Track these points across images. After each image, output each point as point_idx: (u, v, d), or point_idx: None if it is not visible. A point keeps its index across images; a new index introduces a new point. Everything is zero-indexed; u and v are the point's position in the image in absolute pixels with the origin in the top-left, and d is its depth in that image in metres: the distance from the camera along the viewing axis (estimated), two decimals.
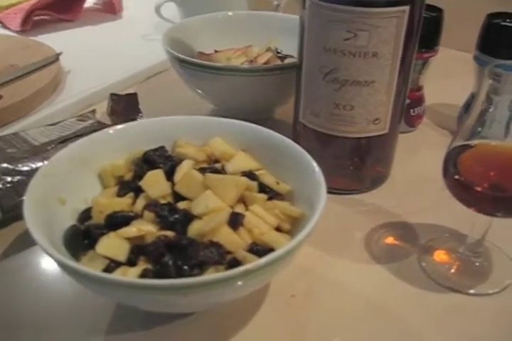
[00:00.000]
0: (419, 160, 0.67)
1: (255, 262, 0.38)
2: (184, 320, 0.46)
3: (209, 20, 0.79)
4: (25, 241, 0.55)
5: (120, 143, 0.52)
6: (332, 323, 0.47)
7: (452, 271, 0.52)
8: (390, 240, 0.55)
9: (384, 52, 0.51)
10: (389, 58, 0.52)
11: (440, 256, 0.53)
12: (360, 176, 0.61)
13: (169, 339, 0.45)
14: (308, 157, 0.48)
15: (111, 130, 0.52)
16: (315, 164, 0.47)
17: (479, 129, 0.45)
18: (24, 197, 0.43)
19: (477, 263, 0.52)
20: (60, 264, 0.38)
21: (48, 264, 0.52)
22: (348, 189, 0.61)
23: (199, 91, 0.71)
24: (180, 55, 0.66)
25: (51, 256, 0.38)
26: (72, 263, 0.37)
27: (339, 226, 0.57)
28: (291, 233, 0.46)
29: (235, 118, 0.70)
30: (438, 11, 0.65)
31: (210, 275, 0.37)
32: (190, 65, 0.66)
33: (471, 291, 0.49)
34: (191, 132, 0.53)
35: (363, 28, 0.49)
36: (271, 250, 0.43)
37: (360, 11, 0.49)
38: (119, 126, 0.53)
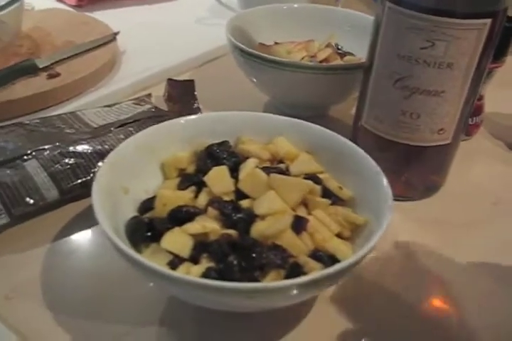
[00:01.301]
0: (473, 171, 0.66)
1: (323, 271, 0.38)
2: (238, 316, 0.47)
3: (273, 11, 0.78)
4: (79, 224, 0.55)
5: (184, 135, 0.52)
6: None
7: None
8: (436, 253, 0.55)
9: (459, 64, 0.50)
10: (463, 70, 0.51)
11: None
12: (414, 184, 0.61)
13: (221, 334, 0.46)
14: (376, 166, 0.47)
15: (178, 121, 0.53)
16: (383, 175, 0.46)
17: None
18: (92, 187, 0.43)
19: None
20: (129, 258, 0.39)
21: (101, 249, 0.52)
22: (400, 195, 0.60)
23: (257, 82, 0.71)
24: (244, 47, 0.66)
25: (121, 250, 0.38)
26: (142, 259, 0.38)
27: (386, 232, 0.56)
28: (351, 239, 0.46)
29: (290, 112, 0.71)
30: (511, 21, 0.63)
31: (282, 281, 0.38)
32: (253, 56, 0.65)
33: None
34: (256, 129, 0.53)
35: (442, 38, 0.49)
36: (332, 257, 0.43)
37: (441, 21, 0.48)
38: (185, 118, 0.53)
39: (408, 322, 0.48)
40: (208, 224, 0.44)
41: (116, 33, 0.85)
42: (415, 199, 0.61)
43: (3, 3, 0.80)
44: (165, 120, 0.63)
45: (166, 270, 0.38)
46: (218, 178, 0.47)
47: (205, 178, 0.47)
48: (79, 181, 0.56)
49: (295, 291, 0.38)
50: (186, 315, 0.47)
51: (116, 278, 0.49)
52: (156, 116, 0.65)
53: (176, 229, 0.43)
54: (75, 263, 0.51)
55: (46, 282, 0.49)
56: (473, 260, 0.54)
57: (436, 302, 0.49)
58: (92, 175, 0.56)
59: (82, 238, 0.54)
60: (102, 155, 0.58)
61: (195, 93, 0.71)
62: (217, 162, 0.50)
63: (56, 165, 0.56)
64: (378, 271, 0.52)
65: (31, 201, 0.54)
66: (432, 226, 0.58)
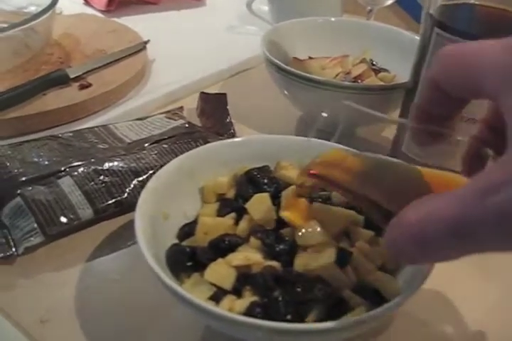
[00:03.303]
0: None
1: (371, 313, 0.37)
2: None
3: (308, 24, 0.77)
4: (113, 243, 0.55)
5: (224, 158, 0.52)
6: None
7: None
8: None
9: None
10: None
11: None
12: None
13: None
14: None
15: (218, 144, 0.53)
16: None
17: None
18: (135, 214, 0.43)
19: None
20: (173, 292, 0.38)
21: (135, 270, 0.51)
22: None
23: (291, 98, 0.70)
24: (280, 63, 0.65)
25: (166, 285, 0.38)
26: (187, 294, 0.37)
27: None
28: (394, 272, 0.45)
29: (321, 129, 0.70)
30: None
31: (330, 323, 0.37)
32: (289, 73, 0.64)
33: None
34: (296, 153, 0.52)
35: None
36: (375, 291, 0.43)
37: None
38: (225, 141, 0.53)
39: None
40: (252, 256, 0.43)
41: (146, 42, 0.84)
42: None
43: (32, 8, 0.80)
44: (198, 136, 0.63)
45: (212, 307, 0.37)
46: (260, 206, 0.46)
47: (247, 206, 0.47)
48: (113, 200, 0.55)
49: (341, 332, 0.38)
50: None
51: (152, 302, 0.48)
52: (190, 133, 0.64)
53: (220, 261, 0.42)
54: (109, 285, 0.50)
55: (80, 304, 0.48)
56: None
57: None
58: (126, 194, 0.56)
59: (117, 258, 0.53)
60: (136, 173, 0.57)
61: (228, 107, 0.70)
62: (258, 188, 0.49)
63: (91, 183, 0.55)
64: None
65: (65, 220, 0.53)
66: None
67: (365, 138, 0.73)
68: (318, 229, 0.45)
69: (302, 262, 0.43)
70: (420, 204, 0.30)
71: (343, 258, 0.43)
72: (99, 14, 1.01)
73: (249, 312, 0.39)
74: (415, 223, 0.29)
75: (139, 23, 0.93)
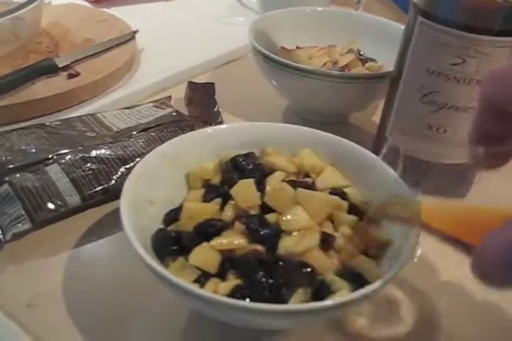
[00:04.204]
0: (494, 186, 0.66)
1: (352, 295, 0.38)
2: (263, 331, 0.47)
3: (296, 14, 0.77)
4: (100, 230, 0.55)
5: (210, 145, 0.52)
6: None
7: None
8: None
9: None
10: None
11: None
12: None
13: None
14: (399, 179, 0.47)
15: (204, 131, 0.53)
16: (407, 189, 0.46)
17: None
18: (121, 201, 0.43)
19: None
20: (159, 276, 0.39)
21: (122, 257, 0.51)
22: None
23: (278, 87, 0.70)
24: (268, 53, 0.65)
25: (152, 269, 0.38)
26: (172, 277, 0.38)
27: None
28: (377, 256, 0.46)
29: (309, 118, 0.71)
30: None
31: (315, 303, 0.37)
32: (276, 63, 0.65)
33: None
34: (281, 140, 0.53)
35: (474, 55, 0.48)
36: (358, 275, 0.43)
37: (473, 38, 0.48)
38: (212, 128, 0.53)
39: None
40: (236, 240, 0.43)
41: (135, 32, 0.84)
42: None
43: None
44: (186, 125, 0.63)
45: (196, 289, 0.38)
46: (245, 192, 0.47)
47: (232, 191, 0.47)
48: (100, 187, 0.56)
49: (324, 312, 0.38)
50: (209, 327, 0.47)
51: (138, 287, 0.49)
52: (177, 121, 0.64)
53: (204, 245, 0.43)
54: (96, 271, 0.51)
55: (67, 290, 0.49)
56: None
57: None
58: (113, 181, 0.56)
59: (104, 244, 0.54)
60: (123, 160, 0.58)
61: (215, 97, 0.71)
62: (243, 174, 0.49)
63: (78, 171, 0.56)
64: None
65: (53, 207, 0.53)
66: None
67: (357, 124, 0.74)
68: (303, 214, 0.45)
69: (286, 246, 0.43)
70: (498, 233, 0.30)
71: (326, 243, 0.44)
72: (88, 4, 1.01)
73: (233, 294, 0.40)
74: (499, 248, 0.30)
75: (127, 13, 0.93)
